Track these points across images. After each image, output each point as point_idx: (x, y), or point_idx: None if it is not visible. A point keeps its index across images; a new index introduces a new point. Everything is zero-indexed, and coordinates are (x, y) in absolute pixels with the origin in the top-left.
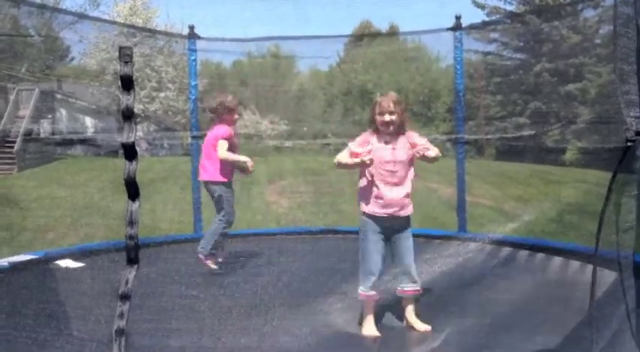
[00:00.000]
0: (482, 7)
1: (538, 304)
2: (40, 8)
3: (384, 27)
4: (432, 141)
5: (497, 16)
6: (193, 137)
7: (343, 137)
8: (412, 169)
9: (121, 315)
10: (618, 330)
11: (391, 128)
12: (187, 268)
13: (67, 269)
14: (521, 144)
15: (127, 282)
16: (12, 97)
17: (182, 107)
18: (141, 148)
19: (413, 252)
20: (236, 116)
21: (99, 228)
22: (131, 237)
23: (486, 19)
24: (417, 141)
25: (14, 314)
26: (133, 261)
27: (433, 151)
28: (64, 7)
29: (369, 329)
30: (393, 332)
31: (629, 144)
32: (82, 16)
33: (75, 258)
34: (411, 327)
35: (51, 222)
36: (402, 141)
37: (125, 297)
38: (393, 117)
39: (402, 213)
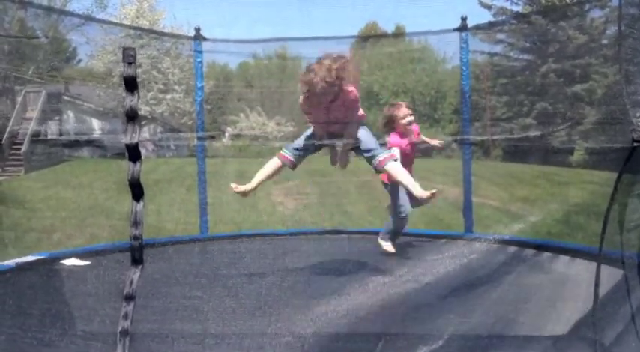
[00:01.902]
0: (488, 7)
1: (543, 304)
2: (47, 11)
3: (389, 28)
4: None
5: (504, 16)
6: (199, 138)
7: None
8: None
9: (126, 316)
10: (622, 330)
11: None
12: (192, 269)
13: (72, 267)
14: (528, 145)
15: (131, 283)
16: (19, 99)
17: (188, 109)
18: (147, 149)
19: None
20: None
21: (104, 229)
22: (136, 238)
23: (493, 19)
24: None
25: (20, 314)
26: (137, 261)
27: None
28: (70, 10)
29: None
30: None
31: (635, 144)
32: (88, 19)
33: (80, 259)
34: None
35: (57, 222)
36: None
37: (130, 298)
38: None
39: None
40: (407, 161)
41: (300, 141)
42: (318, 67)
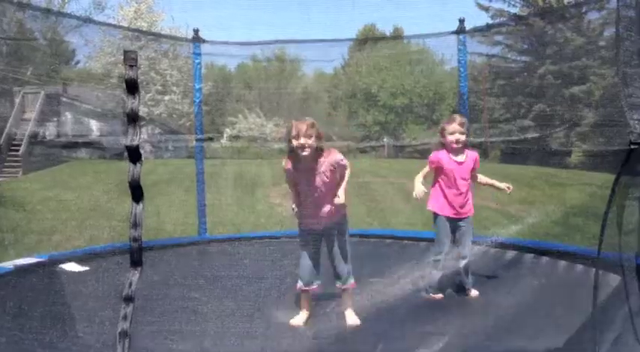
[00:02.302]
0: (486, 9)
1: (542, 307)
2: (46, 12)
3: (388, 30)
4: (436, 144)
5: (502, 18)
6: (198, 140)
7: (348, 140)
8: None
9: (125, 317)
10: (622, 332)
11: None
12: (191, 271)
13: (71, 273)
14: (526, 146)
15: (130, 285)
16: (18, 100)
17: (187, 110)
18: (145, 151)
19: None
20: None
21: (104, 231)
22: (135, 239)
23: (490, 21)
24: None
25: (20, 316)
26: (136, 263)
27: None
28: (69, 11)
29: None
30: (394, 334)
31: (632, 146)
32: (87, 20)
33: (80, 261)
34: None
35: (56, 224)
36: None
37: (129, 300)
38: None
39: None
40: (449, 183)
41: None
42: (297, 122)
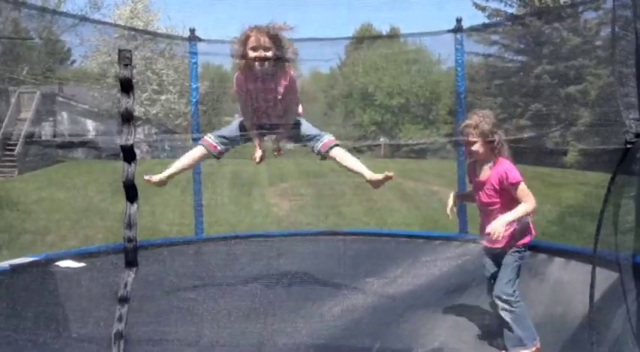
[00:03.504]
0: (482, 9)
1: (538, 306)
2: (41, 11)
3: (384, 29)
4: (433, 144)
5: (498, 18)
6: (194, 139)
7: (344, 139)
8: None
9: (120, 318)
10: (619, 332)
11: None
12: (187, 271)
13: (67, 269)
14: (522, 146)
15: (125, 285)
16: (13, 100)
17: (183, 110)
18: (142, 151)
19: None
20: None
21: (99, 231)
22: (129, 240)
23: (487, 21)
24: None
25: (14, 317)
26: (131, 263)
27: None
28: (64, 10)
29: None
30: (391, 333)
31: (628, 146)
32: (82, 19)
33: (75, 260)
34: None
35: (51, 224)
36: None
37: (124, 300)
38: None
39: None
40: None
41: (227, 130)
42: (255, 30)
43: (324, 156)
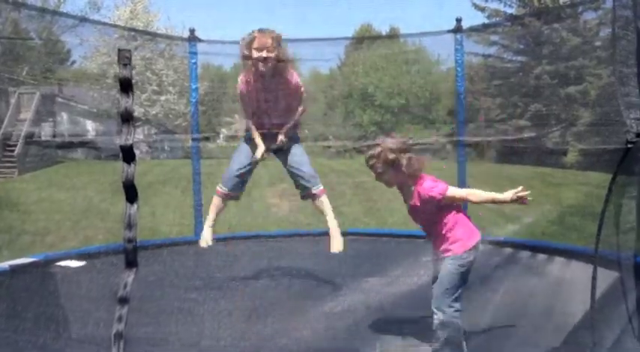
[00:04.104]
0: (482, 9)
1: (538, 306)
2: (41, 12)
3: (384, 30)
4: (432, 144)
5: (497, 18)
6: (194, 140)
7: (344, 140)
8: None
9: (120, 319)
10: (619, 332)
11: None
12: (187, 271)
13: (67, 268)
14: (522, 146)
15: (125, 285)
16: (13, 101)
17: (183, 110)
18: (142, 151)
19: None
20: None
21: (99, 231)
22: (129, 240)
23: (487, 22)
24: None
25: (14, 317)
26: (131, 264)
27: None
28: (64, 11)
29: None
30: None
31: (629, 145)
32: (82, 20)
33: (74, 261)
34: None
35: (51, 225)
36: None
37: (124, 301)
38: None
39: None
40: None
41: (238, 162)
42: (260, 33)
43: (310, 198)
